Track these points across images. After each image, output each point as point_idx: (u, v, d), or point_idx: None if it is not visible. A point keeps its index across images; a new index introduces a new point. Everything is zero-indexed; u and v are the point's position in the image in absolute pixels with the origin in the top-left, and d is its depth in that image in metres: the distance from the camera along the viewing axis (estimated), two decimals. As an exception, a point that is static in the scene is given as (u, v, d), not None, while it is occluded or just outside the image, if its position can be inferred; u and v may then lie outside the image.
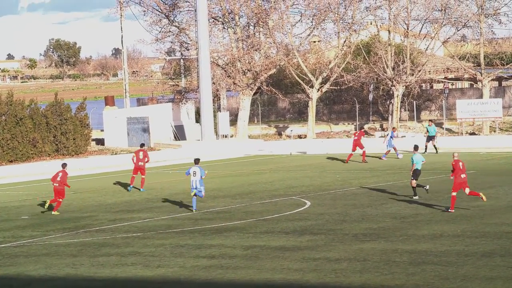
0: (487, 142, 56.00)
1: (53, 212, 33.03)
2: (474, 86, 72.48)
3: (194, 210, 31.76)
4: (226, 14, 66.46)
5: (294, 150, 56.54)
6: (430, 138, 50.79)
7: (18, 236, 28.37)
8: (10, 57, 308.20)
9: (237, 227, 27.95)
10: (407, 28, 66.45)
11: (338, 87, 68.72)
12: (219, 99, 68.28)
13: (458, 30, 66.75)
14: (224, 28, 67.80)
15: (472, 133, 64.83)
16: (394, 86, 66.14)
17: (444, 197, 32.35)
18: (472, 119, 63.94)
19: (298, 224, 27.99)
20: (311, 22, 66.84)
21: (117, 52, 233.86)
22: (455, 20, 65.94)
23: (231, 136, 65.43)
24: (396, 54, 66.46)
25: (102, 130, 67.21)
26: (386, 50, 66.17)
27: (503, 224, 26.13)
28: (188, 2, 66.74)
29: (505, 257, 21.39)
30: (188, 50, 69.89)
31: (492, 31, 66.51)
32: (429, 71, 73.33)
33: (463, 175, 29.08)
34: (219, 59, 67.97)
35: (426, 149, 49.87)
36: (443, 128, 65.20)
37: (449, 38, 67.67)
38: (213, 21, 66.96)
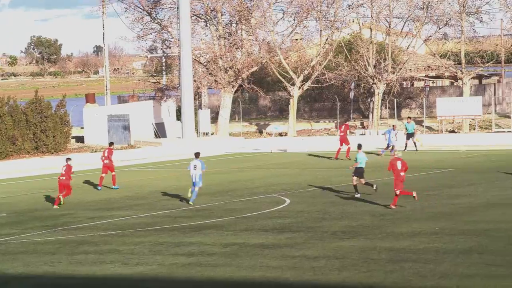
0: (466, 140, 56.22)
1: (54, 206, 33.52)
2: (455, 84, 72.70)
3: (191, 203, 32.33)
4: (209, 11, 66.32)
5: (275, 148, 56.54)
6: (409, 136, 50.92)
7: (-4, 233, 28.22)
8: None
9: (216, 225, 27.91)
10: (389, 26, 66.57)
11: (320, 85, 68.73)
12: (200, 97, 68.15)
13: (439, 28, 66.95)
14: (206, 25, 67.67)
15: (452, 131, 65.03)
16: (375, 84, 66.25)
17: (423, 195, 32.44)
18: (452, 117, 64.14)
19: (278, 221, 27.98)
20: (293, 20, 66.85)
21: (98, 49, 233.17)
22: (436, 18, 66.11)
23: (212, 134, 65.34)
24: (377, 52, 66.58)
25: (82, 128, 66.93)
26: (367, 48, 66.26)
27: (482, 222, 26.22)
28: (170, -1, 66.60)
29: (483, 254, 21.46)
30: (169, 47, 69.70)
31: (473, 29, 66.78)
32: (410, 69, 73.50)
33: (402, 173, 29.39)
34: (201, 57, 67.85)
35: (406, 146, 49.99)
36: (423, 126, 65.40)
37: (430, 36, 67.87)
38: (195, 18, 66.82)
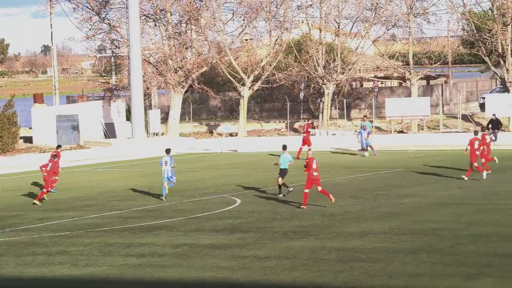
0: (415, 140, 56.81)
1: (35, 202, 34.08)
2: (403, 84, 73.40)
3: (163, 198, 33.40)
4: (158, 11, 66.09)
5: (225, 148, 56.54)
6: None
7: None
8: None
9: (167, 226, 27.84)
10: (338, 27, 66.99)
11: (270, 85, 68.91)
12: (150, 97, 67.88)
13: (388, 30, 67.56)
14: (155, 25, 67.43)
15: (401, 131, 65.66)
16: (325, 84, 66.61)
17: (372, 194, 32.73)
18: (401, 118, 64.74)
19: (228, 222, 28.00)
20: (243, 20, 66.93)
21: (46, 49, 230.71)
22: (385, 20, 66.68)
23: (162, 134, 65.12)
24: (327, 52, 66.95)
25: (30, 128, 66.20)
26: (317, 49, 66.60)
27: (430, 221, 26.52)
28: (119, -1, 66.20)
29: (431, 253, 21.71)
30: (119, 47, 69.32)
31: (421, 30, 67.50)
32: (359, 70, 74.04)
33: (315, 173, 29.71)
34: (150, 57, 67.57)
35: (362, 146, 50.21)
36: (372, 127, 65.85)
37: (379, 37, 68.44)
38: (145, 18, 66.54)
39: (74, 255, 23.66)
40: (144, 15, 66.24)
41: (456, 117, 67.06)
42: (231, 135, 67.33)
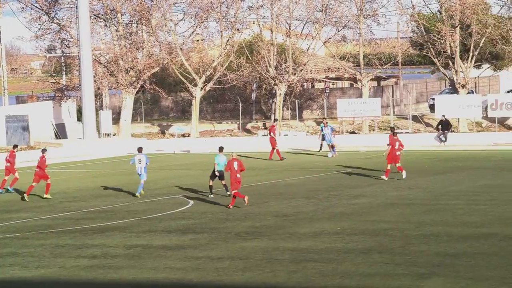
0: (366, 141, 57.24)
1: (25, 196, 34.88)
2: (354, 85, 73.92)
3: (138, 195, 34.21)
4: (108, 11, 65.72)
5: (178, 149, 56.42)
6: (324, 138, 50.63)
7: None
8: None
9: (119, 227, 27.71)
10: (289, 28, 67.24)
11: (222, 86, 68.92)
12: (101, 97, 67.46)
13: (338, 31, 67.95)
14: (106, 25, 67.05)
15: (352, 132, 66.13)
16: (277, 85, 66.82)
17: (325, 195, 32.93)
18: (352, 118, 65.20)
19: (181, 223, 27.96)
20: (194, 20, 66.86)
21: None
22: (335, 21, 67.09)
23: (114, 135, 64.77)
24: (278, 53, 67.16)
25: (-22, 129, 65.40)
26: (268, 50, 66.78)
27: (381, 221, 26.74)
28: (69, -2, 65.70)
29: (383, 253, 21.90)
30: (69, 47, 68.80)
31: (371, 31, 68.07)
32: (310, 71, 74.41)
33: (238, 175, 30.15)
34: (101, 57, 67.18)
35: (321, 147, 50.51)
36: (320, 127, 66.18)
37: (330, 38, 68.82)
38: (95, 18, 66.12)
39: (25, 256, 23.43)
40: (94, 15, 65.83)
41: (406, 118, 67.70)
42: (183, 135, 67.21)
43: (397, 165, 36.95)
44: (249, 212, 29.68)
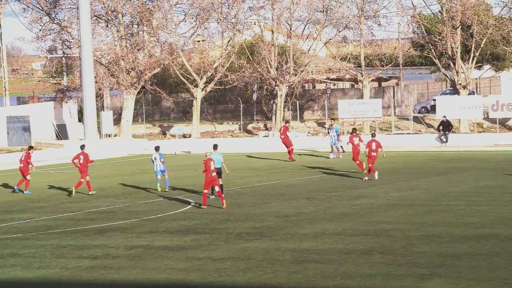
0: (366, 141, 57.02)
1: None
2: (355, 86, 73.91)
3: (167, 189, 35.90)
4: (109, 12, 65.74)
5: (179, 149, 56.40)
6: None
7: None
8: None
9: (120, 227, 27.71)
10: (290, 29, 67.24)
11: (223, 87, 68.92)
12: (102, 98, 67.48)
13: (339, 32, 67.92)
14: (107, 26, 67.06)
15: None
16: (278, 86, 66.82)
17: (326, 195, 32.93)
18: (353, 119, 65.15)
19: (182, 223, 27.97)
20: (195, 21, 66.86)
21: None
22: (336, 22, 67.08)
23: (115, 136, 64.77)
24: (279, 54, 67.15)
25: (-20, 129, 65.42)
26: (269, 50, 66.78)
27: (382, 222, 26.74)
28: (70, -1, 65.76)
29: (384, 254, 21.90)
30: (70, 48, 68.82)
31: (371, 32, 68.06)
32: (311, 72, 74.37)
33: (213, 174, 30.48)
34: (102, 58, 67.19)
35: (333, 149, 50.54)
36: (325, 128, 66.20)
37: (330, 39, 68.78)
38: (96, 19, 66.15)
39: (27, 257, 23.44)
40: (96, 16, 65.85)
41: (407, 119, 67.69)
42: (184, 136, 67.21)
43: (370, 165, 37.18)
44: (250, 212, 29.68)
